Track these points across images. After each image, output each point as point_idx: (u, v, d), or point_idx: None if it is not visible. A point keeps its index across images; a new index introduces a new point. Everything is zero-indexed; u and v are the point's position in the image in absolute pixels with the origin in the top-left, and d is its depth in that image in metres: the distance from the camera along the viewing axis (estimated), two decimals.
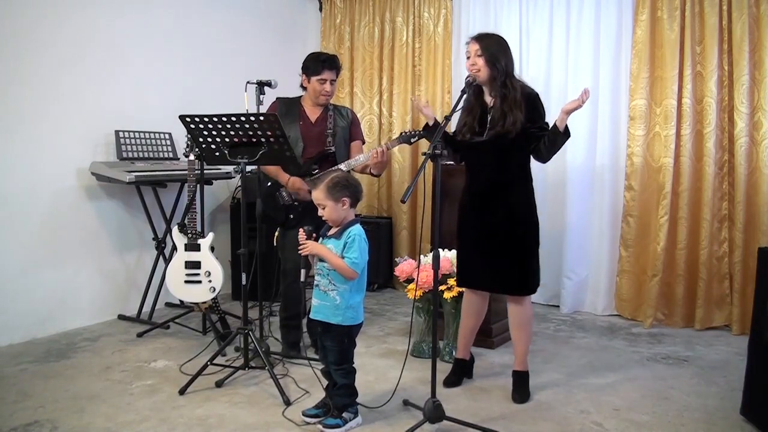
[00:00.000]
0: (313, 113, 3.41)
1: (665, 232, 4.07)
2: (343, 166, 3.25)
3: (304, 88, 3.41)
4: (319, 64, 3.30)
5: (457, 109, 2.68)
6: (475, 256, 2.86)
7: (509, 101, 2.73)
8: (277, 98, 3.46)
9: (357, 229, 2.50)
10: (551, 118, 2.79)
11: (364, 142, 3.65)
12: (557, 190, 4.59)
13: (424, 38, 5.11)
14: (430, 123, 2.93)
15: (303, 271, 2.56)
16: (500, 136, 2.73)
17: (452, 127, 3.07)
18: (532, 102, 2.78)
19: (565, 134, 2.70)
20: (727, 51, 3.91)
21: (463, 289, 3.07)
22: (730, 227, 4.00)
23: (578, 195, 4.47)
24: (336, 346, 2.52)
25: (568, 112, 2.64)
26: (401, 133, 3.34)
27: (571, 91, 4.43)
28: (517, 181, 2.83)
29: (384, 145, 3.27)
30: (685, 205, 4.05)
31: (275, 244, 3.49)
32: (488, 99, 2.84)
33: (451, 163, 3.68)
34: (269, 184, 3.35)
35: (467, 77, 2.78)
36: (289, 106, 3.41)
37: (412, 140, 3.31)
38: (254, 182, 3.38)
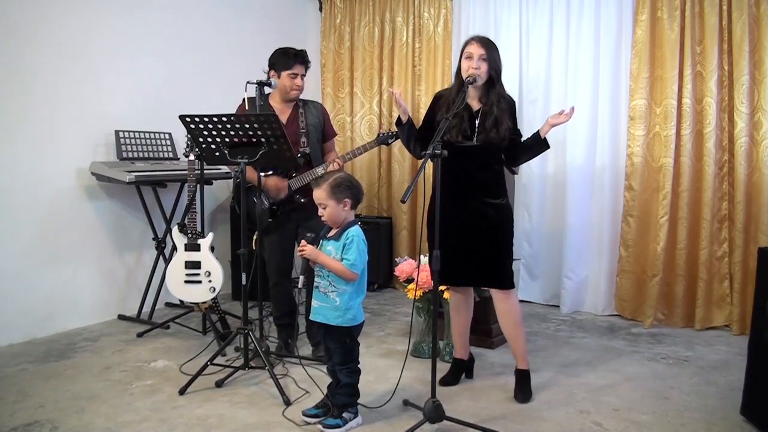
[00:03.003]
0: (283, 113, 3.33)
1: (665, 232, 4.06)
2: (320, 170, 3.23)
3: (269, 85, 3.22)
4: (290, 58, 3.26)
5: (458, 108, 2.68)
6: (458, 254, 2.85)
7: (501, 109, 2.82)
8: (244, 99, 3.28)
9: (356, 231, 2.50)
10: (537, 124, 2.93)
11: (335, 135, 3.61)
12: (557, 190, 4.59)
13: (424, 38, 5.11)
14: (404, 119, 2.95)
15: (302, 278, 2.58)
16: (490, 142, 2.81)
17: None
18: (513, 109, 2.92)
19: (546, 145, 2.88)
20: (727, 51, 3.91)
21: (447, 288, 3.09)
22: (730, 227, 4.00)
23: (578, 195, 4.47)
24: (339, 347, 2.53)
25: (554, 126, 2.82)
26: (379, 134, 3.37)
27: (571, 91, 4.43)
28: (498, 181, 2.91)
29: (344, 156, 3.31)
30: (685, 205, 4.04)
31: (254, 248, 3.43)
32: (473, 102, 2.88)
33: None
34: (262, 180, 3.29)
35: (468, 77, 2.78)
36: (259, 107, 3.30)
37: (390, 141, 3.35)
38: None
